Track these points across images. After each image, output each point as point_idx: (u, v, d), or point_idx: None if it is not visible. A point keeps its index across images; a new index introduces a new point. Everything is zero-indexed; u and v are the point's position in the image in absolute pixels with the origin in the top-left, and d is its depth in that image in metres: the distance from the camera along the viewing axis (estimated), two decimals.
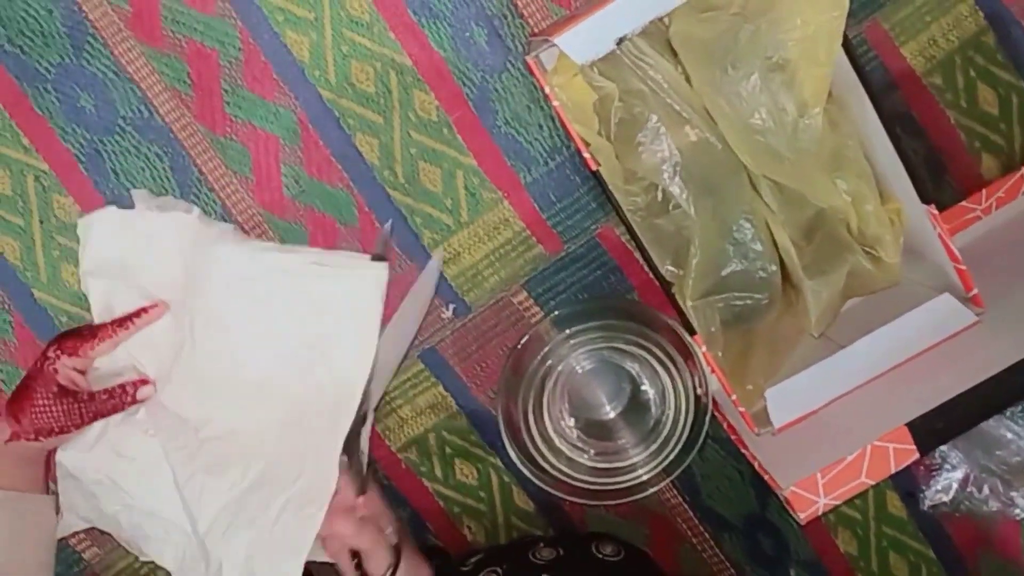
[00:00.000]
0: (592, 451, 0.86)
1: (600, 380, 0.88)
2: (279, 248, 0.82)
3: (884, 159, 0.79)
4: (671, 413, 0.86)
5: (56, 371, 0.77)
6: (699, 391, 0.82)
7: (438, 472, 0.92)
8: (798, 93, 0.76)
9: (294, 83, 0.86)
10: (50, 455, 0.80)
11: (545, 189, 0.88)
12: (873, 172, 0.80)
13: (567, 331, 0.86)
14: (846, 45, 0.75)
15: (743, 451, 0.83)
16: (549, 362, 0.87)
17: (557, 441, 0.87)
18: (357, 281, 0.79)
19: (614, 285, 0.90)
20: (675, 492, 0.92)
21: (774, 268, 0.80)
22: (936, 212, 0.76)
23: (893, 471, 0.76)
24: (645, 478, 0.83)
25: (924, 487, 0.91)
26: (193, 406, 0.81)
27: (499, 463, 0.92)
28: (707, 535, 0.93)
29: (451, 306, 0.89)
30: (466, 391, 0.91)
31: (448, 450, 0.92)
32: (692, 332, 0.77)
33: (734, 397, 0.76)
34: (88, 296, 0.83)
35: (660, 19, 0.78)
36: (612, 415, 0.88)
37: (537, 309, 0.90)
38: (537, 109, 0.87)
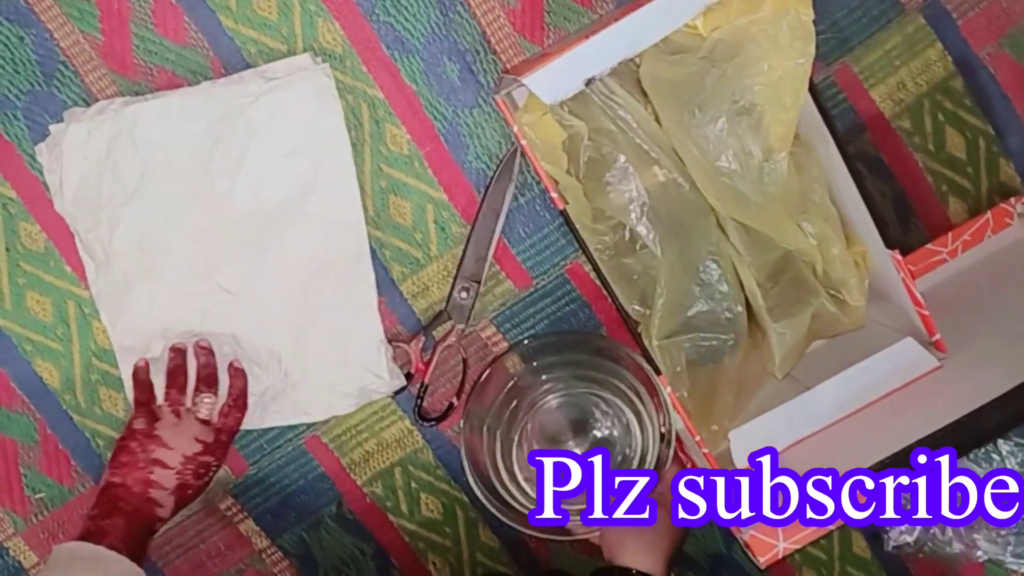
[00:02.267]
0: None
1: (566, 415, 0.88)
2: (224, 81, 0.84)
3: (850, 203, 0.79)
4: (636, 449, 0.86)
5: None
6: (663, 429, 0.82)
7: (403, 507, 0.91)
8: (764, 137, 0.77)
9: None
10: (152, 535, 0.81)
11: (515, 225, 0.88)
12: (839, 215, 0.81)
13: (534, 364, 0.86)
14: (812, 90, 0.76)
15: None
16: (515, 395, 0.87)
17: (521, 475, 0.86)
18: (305, 83, 0.82)
19: (583, 321, 0.90)
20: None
21: (740, 309, 0.80)
22: (900, 257, 0.77)
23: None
24: None
25: (888, 528, 0.91)
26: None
27: (464, 498, 0.91)
28: (673, 573, 0.92)
29: (422, 340, 0.89)
30: (432, 426, 0.90)
31: (414, 484, 0.91)
32: (658, 372, 0.77)
33: (698, 438, 0.76)
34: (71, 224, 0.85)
35: (631, 59, 0.79)
36: (578, 450, 0.88)
37: (505, 344, 0.89)
38: (508, 144, 0.87)
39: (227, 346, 0.85)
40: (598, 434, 0.87)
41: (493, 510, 0.82)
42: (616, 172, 0.79)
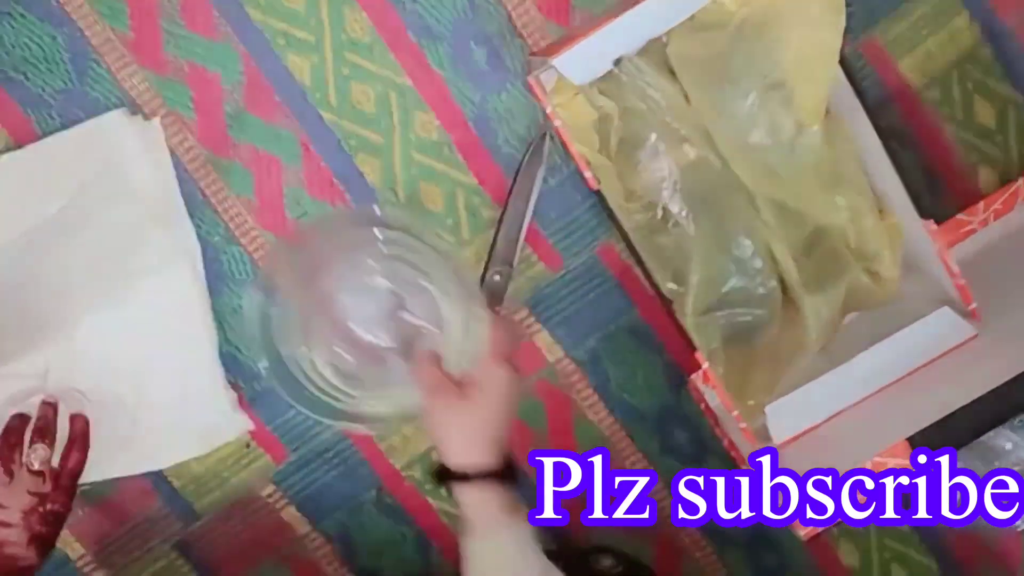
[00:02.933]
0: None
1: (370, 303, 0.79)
2: (24, 150, 0.84)
3: (882, 174, 0.79)
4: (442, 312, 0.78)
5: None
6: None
7: (442, 490, 0.92)
8: (795, 111, 0.77)
9: (296, 105, 0.87)
10: None
11: (546, 207, 0.89)
12: (871, 188, 0.81)
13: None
14: (843, 62, 0.76)
15: (742, 467, 0.84)
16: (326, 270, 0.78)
17: (318, 358, 0.78)
18: (102, 131, 0.83)
19: (615, 301, 0.90)
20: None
21: (774, 284, 0.80)
22: (934, 227, 0.77)
23: None
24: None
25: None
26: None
27: None
28: (710, 549, 0.93)
29: None
30: None
31: None
32: (694, 348, 0.78)
33: (736, 413, 0.77)
34: None
35: (658, 38, 0.79)
36: (383, 343, 0.79)
37: (539, 326, 0.90)
38: (537, 128, 0.88)
39: (74, 401, 0.85)
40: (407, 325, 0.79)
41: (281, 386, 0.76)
42: (647, 151, 0.80)
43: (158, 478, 0.90)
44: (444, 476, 0.71)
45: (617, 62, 0.79)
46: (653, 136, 0.79)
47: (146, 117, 0.85)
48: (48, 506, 0.80)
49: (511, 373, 0.71)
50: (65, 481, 0.82)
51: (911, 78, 0.89)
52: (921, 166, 0.90)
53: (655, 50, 0.81)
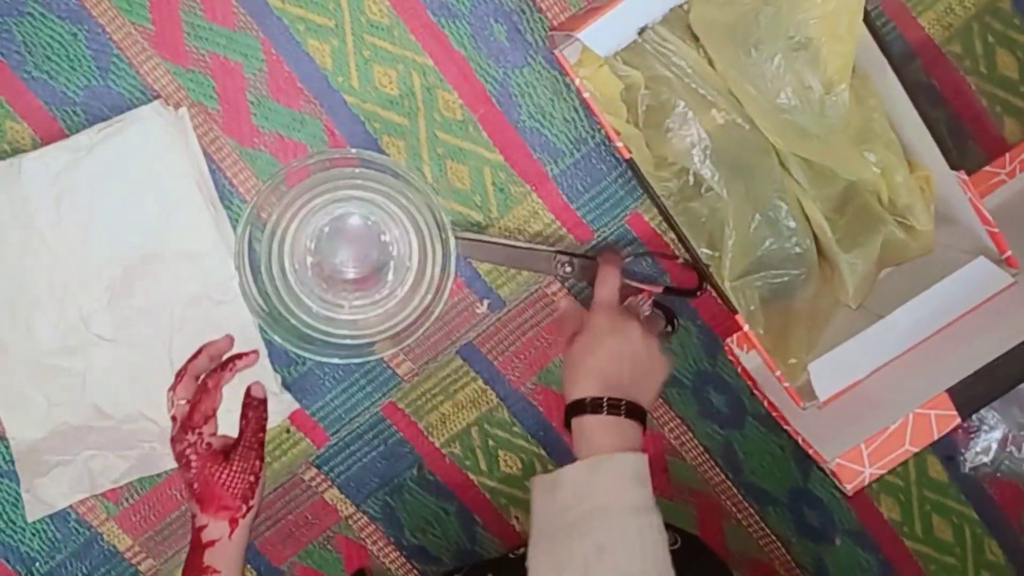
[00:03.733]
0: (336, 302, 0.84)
1: (351, 239, 0.85)
2: (57, 144, 0.84)
3: (910, 129, 0.79)
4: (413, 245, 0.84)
5: (209, 445, 0.74)
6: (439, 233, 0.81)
7: (483, 465, 0.93)
8: (823, 70, 0.77)
9: (318, 90, 0.87)
10: None
11: (573, 180, 0.89)
12: (900, 142, 0.81)
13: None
14: (866, 18, 0.76)
15: (785, 427, 0.84)
16: (300, 203, 0.83)
17: (294, 281, 0.83)
18: (138, 125, 0.83)
19: (645, 269, 0.91)
20: (718, 470, 0.93)
21: (809, 243, 0.81)
22: (965, 177, 0.77)
23: (936, 438, 0.77)
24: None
25: (964, 450, 0.92)
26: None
27: (543, 452, 0.93)
28: (752, 510, 0.94)
29: (486, 301, 0.90)
30: (506, 383, 0.92)
31: (491, 443, 0.93)
32: (733, 311, 0.78)
33: (778, 373, 0.77)
34: None
35: (679, 5, 0.79)
36: (361, 274, 0.85)
37: (572, 297, 0.91)
38: (560, 101, 0.88)
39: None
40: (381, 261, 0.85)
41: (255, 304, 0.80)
42: (675, 118, 0.80)
43: None
44: (569, 412, 0.74)
45: (641, 31, 0.79)
46: (681, 103, 0.79)
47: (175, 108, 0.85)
48: (175, 448, 0.74)
49: (628, 316, 0.77)
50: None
51: (932, 32, 0.89)
52: (946, 120, 0.90)
53: (676, 18, 0.81)
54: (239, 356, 0.77)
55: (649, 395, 0.76)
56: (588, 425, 0.72)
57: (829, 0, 0.75)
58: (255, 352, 0.77)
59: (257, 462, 0.74)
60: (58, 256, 0.85)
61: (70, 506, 0.90)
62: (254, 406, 0.76)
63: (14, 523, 0.91)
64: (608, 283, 0.80)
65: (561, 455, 0.93)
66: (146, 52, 0.85)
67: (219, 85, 0.86)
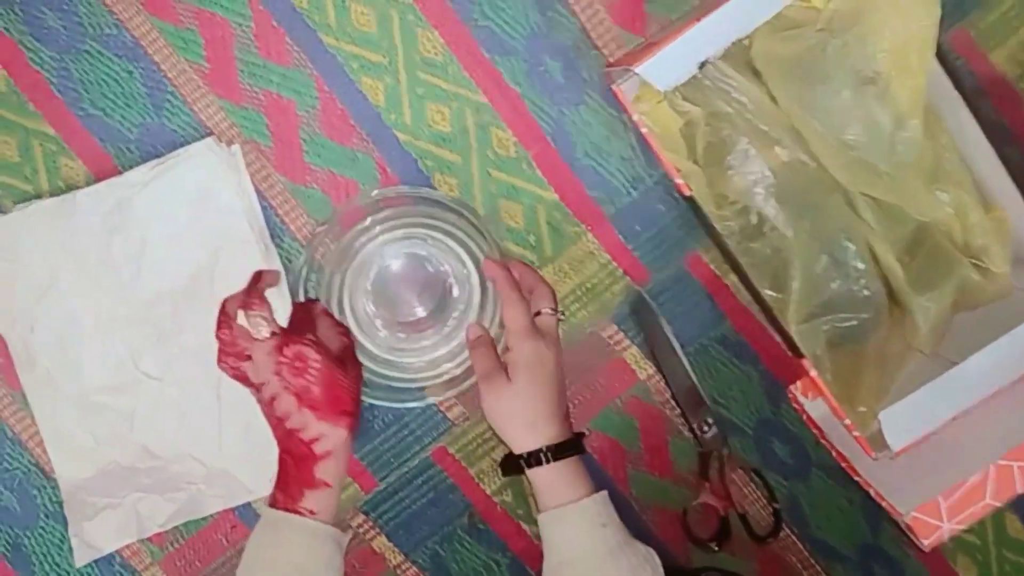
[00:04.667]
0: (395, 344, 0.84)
1: (410, 279, 0.84)
2: (111, 180, 0.84)
3: (984, 167, 0.77)
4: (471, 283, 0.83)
5: (326, 349, 0.72)
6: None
7: (535, 514, 0.89)
8: (893, 105, 0.74)
9: (371, 128, 0.86)
10: None
11: (629, 220, 0.87)
12: (973, 181, 0.78)
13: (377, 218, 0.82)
14: (938, 51, 0.73)
15: (855, 478, 0.80)
16: (358, 246, 0.83)
17: (354, 324, 0.82)
18: (190, 162, 0.83)
19: (705, 313, 0.87)
20: (783, 524, 0.89)
21: (878, 286, 0.77)
22: None
23: (1020, 490, 0.73)
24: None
25: None
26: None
27: None
28: (819, 568, 0.89)
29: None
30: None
31: None
32: (799, 355, 0.75)
33: (847, 421, 0.73)
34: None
35: (741, 40, 0.77)
36: (422, 314, 0.85)
37: (628, 343, 0.88)
38: (616, 139, 0.86)
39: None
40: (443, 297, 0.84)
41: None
42: (737, 155, 0.77)
43: (245, 510, 0.88)
44: (508, 464, 0.73)
45: (702, 66, 0.77)
46: (743, 140, 0.77)
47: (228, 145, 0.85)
48: (289, 352, 0.70)
49: (534, 344, 0.72)
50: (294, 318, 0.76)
51: (1004, 70, 0.86)
52: (1018, 161, 0.86)
53: (737, 53, 0.79)
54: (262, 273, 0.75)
55: (564, 391, 0.75)
56: (540, 479, 0.73)
57: (899, 33, 0.73)
58: (276, 271, 0.79)
59: (359, 368, 0.75)
60: (108, 293, 0.84)
61: (115, 550, 0.88)
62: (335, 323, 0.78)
63: (59, 566, 0.89)
64: (520, 306, 0.74)
65: (617, 504, 0.86)
66: (200, 90, 0.85)
67: (272, 122, 0.85)
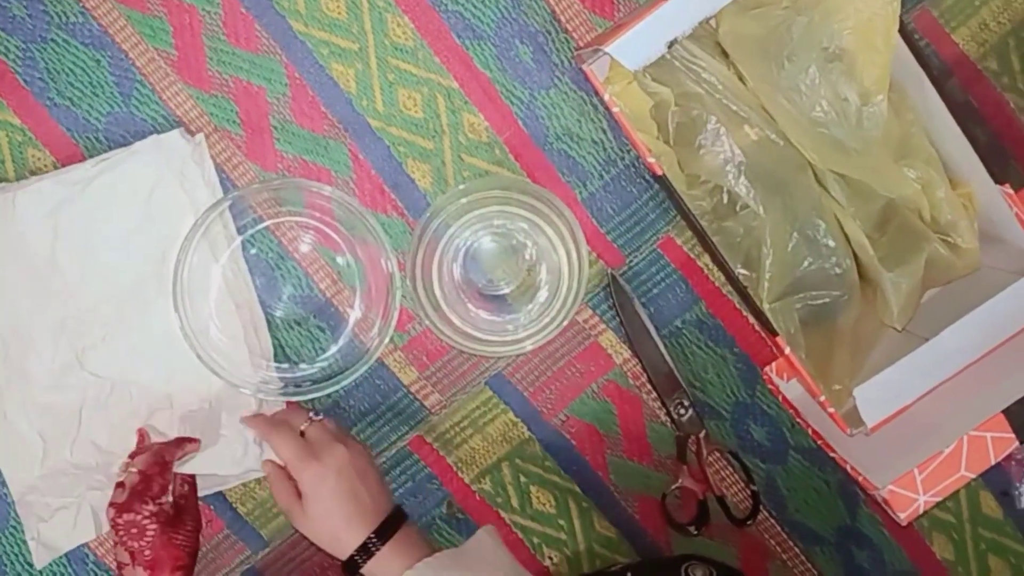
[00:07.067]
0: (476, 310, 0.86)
1: (496, 256, 0.86)
2: (56, 172, 0.83)
3: (950, 144, 0.77)
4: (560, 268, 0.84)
5: (166, 513, 0.77)
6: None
7: (514, 502, 0.89)
8: (859, 82, 0.75)
9: (343, 114, 0.85)
10: None
11: (602, 203, 0.87)
12: (939, 158, 0.78)
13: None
14: (902, 30, 0.74)
15: (831, 455, 0.80)
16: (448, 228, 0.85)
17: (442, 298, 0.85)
18: (138, 158, 0.82)
19: (680, 296, 0.88)
20: (761, 507, 0.88)
21: (849, 263, 0.78)
22: (1012, 192, 0.74)
23: (993, 461, 0.73)
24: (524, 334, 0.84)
25: (1019, 484, 0.88)
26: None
27: (576, 489, 0.89)
28: (798, 550, 0.89)
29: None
30: (537, 416, 0.88)
31: (523, 478, 0.89)
32: (773, 334, 0.75)
33: (822, 398, 0.73)
34: None
35: (708, 21, 0.77)
36: (506, 290, 0.86)
37: (603, 327, 0.87)
38: (588, 122, 0.86)
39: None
40: (523, 249, 0.86)
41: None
42: (707, 135, 0.78)
43: (221, 504, 0.87)
44: (347, 569, 0.76)
45: (671, 45, 0.77)
46: (713, 119, 0.77)
47: (192, 134, 0.84)
48: (122, 520, 0.76)
49: (308, 470, 0.76)
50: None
51: (967, 49, 0.87)
52: (985, 139, 0.87)
53: (704, 34, 0.79)
54: (188, 440, 0.81)
55: (379, 477, 0.79)
56: (377, 565, 0.75)
57: (863, 10, 0.73)
58: (198, 440, 0.82)
59: (199, 516, 0.81)
60: (53, 293, 0.82)
61: (87, 548, 0.87)
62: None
63: (31, 566, 0.87)
64: (283, 441, 0.78)
65: (596, 491, 0.89)
66: (169, 78, 0.84)
67: (242, 110, 0.85)
